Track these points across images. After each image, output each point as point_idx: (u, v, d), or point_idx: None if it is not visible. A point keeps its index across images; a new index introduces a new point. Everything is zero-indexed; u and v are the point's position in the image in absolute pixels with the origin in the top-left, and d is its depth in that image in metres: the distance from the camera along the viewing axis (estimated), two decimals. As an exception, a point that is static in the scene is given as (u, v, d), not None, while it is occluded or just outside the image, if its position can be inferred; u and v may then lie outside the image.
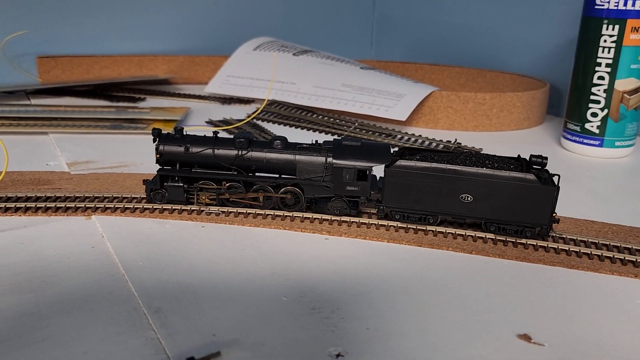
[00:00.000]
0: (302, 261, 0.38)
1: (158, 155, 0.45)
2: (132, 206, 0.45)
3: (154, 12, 1.03)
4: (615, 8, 0.60)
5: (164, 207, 0.45)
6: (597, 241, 0.42)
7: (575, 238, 0.42)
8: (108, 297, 0.33)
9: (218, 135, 0.45)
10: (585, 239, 0.42)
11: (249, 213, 0.45)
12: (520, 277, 0.37)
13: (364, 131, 0.73)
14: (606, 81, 0.63)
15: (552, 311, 0.34)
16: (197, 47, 1.08)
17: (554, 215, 0.41)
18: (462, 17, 1.04)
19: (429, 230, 0.43)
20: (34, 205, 0.44)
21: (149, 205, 0.45)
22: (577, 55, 0.66)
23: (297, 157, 0.44)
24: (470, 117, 0.76)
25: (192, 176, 0.45)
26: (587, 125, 0.65)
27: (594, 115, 0.65)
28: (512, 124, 0.77)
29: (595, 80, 0.64)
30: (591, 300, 0.35)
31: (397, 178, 0.43)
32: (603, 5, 0.61)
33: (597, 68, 0.63)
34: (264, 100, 0.86)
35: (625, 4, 0.60)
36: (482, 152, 0.46)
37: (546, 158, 0.42)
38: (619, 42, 0.61)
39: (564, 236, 0.42)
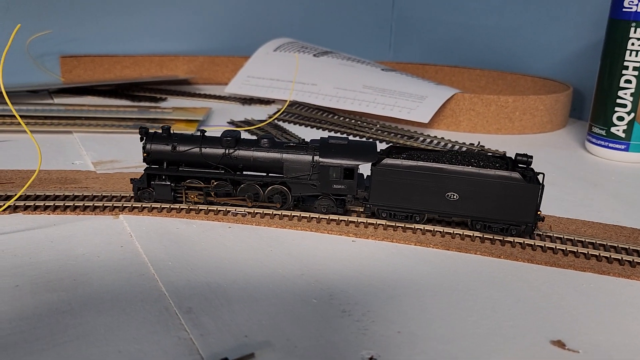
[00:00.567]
0: (330, 263, 0.38)
1: (145, 154, 0.45)
2: (159, 206, 0.45)
3: (174, 12, 1.04)
4: (644, 11, 0.60)
5: (190, 207, 0.45)
6: (627, 247, 0.41)
7: (605, 243, 0.42)
8: (139, 296, 0.33)
9: (205, 133, 0.45)
10: (616, 245, 0.42)
11: (275, 214, 0.45)
12: (550, 282, 0.37)
13: (385, 133, 0.72)
14: (633, 84, 0.62)
15: (584, 317, 0.33)
16: (217, 48, 1.08)
17: (538, 213, 0.42)
18: (482, 18, 1.03)
19: (456, 233, 0.43)
20: (62, 204, 0.45)
21: (176, 206, 0.45)
22: (603, 58, 0.65)
23: (284, 155, 0.44)
24: (492, 120, 0.75)
25: (180, 175, 0.45)
26: (612, 129, 0.65)
27: (620, 119, 0.64)
28: (535, 127, 0.76)
29: (622, 84, 0.63)
30: (623, 306, 0.35)
31: (384, 176, 0.43)
32: (631, 8, 0.60)
33: (624, 71, 0.62)
34: (285, 101, 0.86)
35: (653, 7, 0.59)
36: (468, 151, 0.46)
37: (531, 157, 0.43)
38: (646, 45, 0.60)
39: (594, 241, 0.42)
